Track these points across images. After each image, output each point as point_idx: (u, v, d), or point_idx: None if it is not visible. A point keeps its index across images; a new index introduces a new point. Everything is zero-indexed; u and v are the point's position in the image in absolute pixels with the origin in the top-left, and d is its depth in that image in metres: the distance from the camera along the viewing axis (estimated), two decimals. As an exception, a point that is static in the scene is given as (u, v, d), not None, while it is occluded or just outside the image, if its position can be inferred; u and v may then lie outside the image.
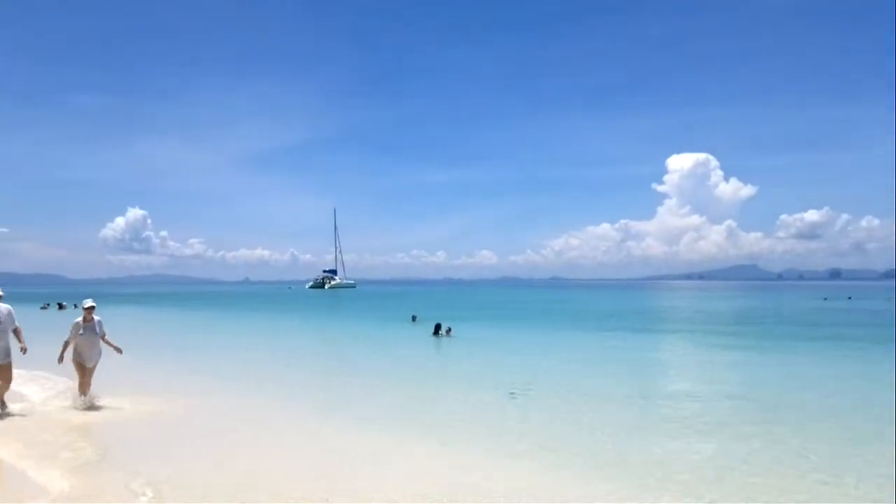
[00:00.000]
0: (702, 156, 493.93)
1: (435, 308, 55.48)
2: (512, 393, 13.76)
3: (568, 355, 21.69)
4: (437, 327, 27.60)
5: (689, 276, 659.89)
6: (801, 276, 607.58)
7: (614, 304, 64.34)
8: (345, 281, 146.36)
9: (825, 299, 68.83)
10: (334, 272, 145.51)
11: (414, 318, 37.10)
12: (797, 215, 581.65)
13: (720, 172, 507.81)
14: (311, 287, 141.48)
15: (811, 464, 8.58)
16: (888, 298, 74.94)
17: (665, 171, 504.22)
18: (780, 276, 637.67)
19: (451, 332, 27.32)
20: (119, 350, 12.06)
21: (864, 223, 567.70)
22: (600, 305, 62.23)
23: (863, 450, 9.23)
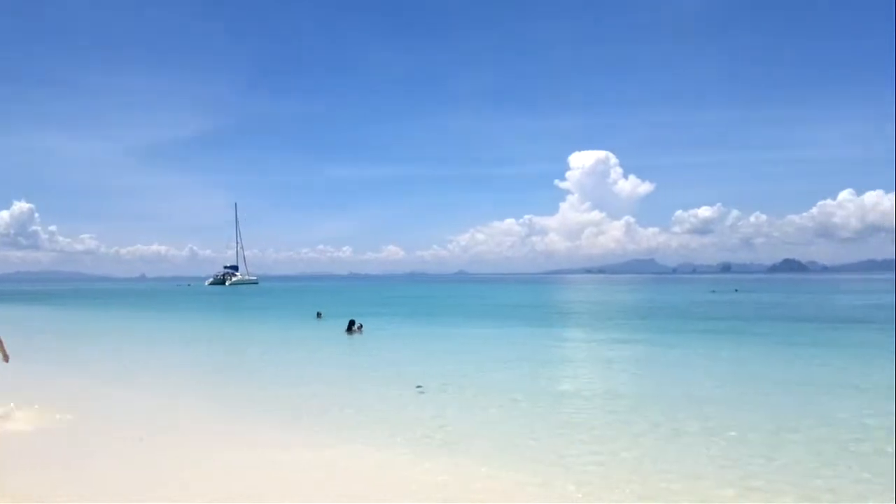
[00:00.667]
0: (602, 153, 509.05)
1: (342, 304, 54.98)
2: (419, 387, 13.83)
3: (476, 350, 21.85)
4: (351, 324, 27.45)
5: (589, 270, 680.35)
6: (694, 270, 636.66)
7: (519, 298, 65.67)
8: (247, 277, 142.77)
9: (713, 292, 72.34)
10: (235, 268, 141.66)
11: (319, 315, 36.63)
12: (691, 211, 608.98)
13: (619, 170, 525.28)
14: (211, 284, 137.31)
15: (724, 459, 8.96)
16: (773, 290, 79.85)
17: (567, 168, 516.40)
18: (675, 270, 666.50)
19: (362, 329, 27.20)
20: (6, 357, 11.06)
21: (752, 219, 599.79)
22: (506, 299, 63.32)
23: (767, 438, 9.72)
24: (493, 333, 28.01)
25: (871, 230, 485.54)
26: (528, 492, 7.43)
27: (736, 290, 74.46)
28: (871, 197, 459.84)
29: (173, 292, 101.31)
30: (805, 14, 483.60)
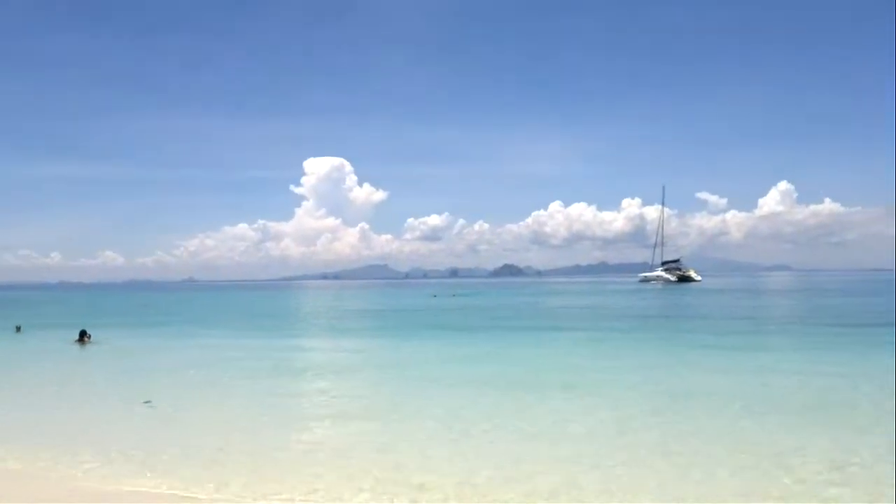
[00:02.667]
0: (337, 160, 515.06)
1: (49, 316, 50.62)
2: (148, 402, 13.41)
3: (204, 357, 21.65)
4: (83, 334, 26.59)
5: (325, 276, 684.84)
6: (425, 275, 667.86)
7: (256, 305, 65.03)
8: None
9: (434, 296, 77.38)
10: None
11: (18, 329, 33.86)
12: (422, 219, 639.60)
13: (354, 177, 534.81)
14: None
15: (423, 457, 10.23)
16: (492, 294, 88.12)
17: (303, 174, 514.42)
18: (407, 275, 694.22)
19: (91, 338, 26.48)
20: None
21: (476, 227, 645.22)
22: (242, 307, 62.63)
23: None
24: (223, 339, 27.55)
25: (576, 238, 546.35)
26: (256, 493, 7.98)
27: (454, 295, 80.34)
28: (576, 209, 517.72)
29: None
30: (505, 39, 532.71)
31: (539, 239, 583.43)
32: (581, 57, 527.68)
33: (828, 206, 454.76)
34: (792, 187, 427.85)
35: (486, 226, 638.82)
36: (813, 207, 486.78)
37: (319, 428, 11.35)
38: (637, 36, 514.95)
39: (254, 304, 69.90)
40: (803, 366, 18.12)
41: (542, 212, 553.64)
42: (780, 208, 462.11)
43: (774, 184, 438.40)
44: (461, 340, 26.48)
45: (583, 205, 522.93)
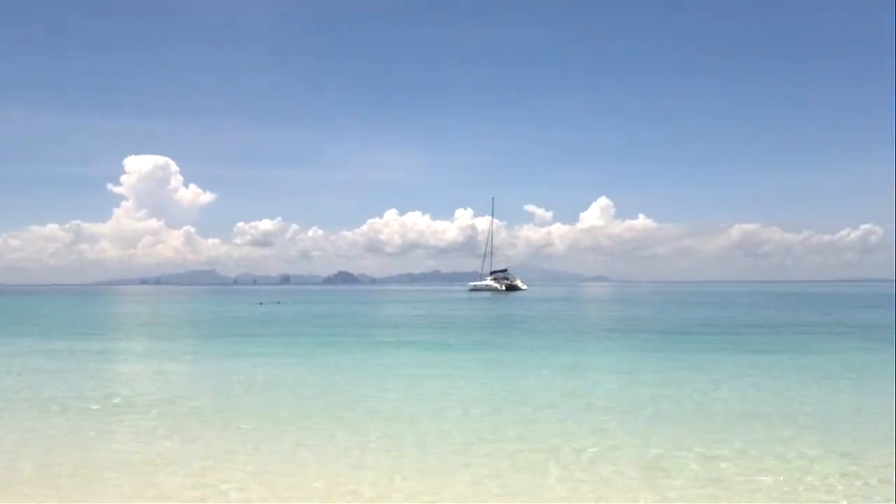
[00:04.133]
0: (161, 159, 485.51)
1: None
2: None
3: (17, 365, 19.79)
4: None
5: (145, 281, 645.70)
6: (255, 281, 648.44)
7: (64, 312, 59.83)
8: None
9: (261, 304, 75.21)
10: None
11: None
12: (253, 223, 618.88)
13: (180, 178, 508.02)
14: None
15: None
16: (324, 301, 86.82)
17: (123, 172, 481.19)
18: (235, 281, 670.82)
19: None
20: None
21: (310, 233, 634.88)
22: (46, 312, 57.31)
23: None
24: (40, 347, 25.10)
25: (410, 246, 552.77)
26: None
27: (278, 302, 78.37)
28: (410, 217, 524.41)
29: None
30: (350, 45, 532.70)
31: (374, 246, 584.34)
32: (423, 67, 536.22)
33: (642, 221, 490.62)
34: (611, 203, 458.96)
35: (321, 232, 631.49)
36: (629, 222, 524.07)
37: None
38: (480, 50, 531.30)
39: (66, 309, 64.29)
40: (611, 365, 19.61)
41: (377, 219, 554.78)
42: (599, 222, 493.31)
43: (595, 199, 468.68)
44: (273, 351, 25.44)
45: (417, 213, 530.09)
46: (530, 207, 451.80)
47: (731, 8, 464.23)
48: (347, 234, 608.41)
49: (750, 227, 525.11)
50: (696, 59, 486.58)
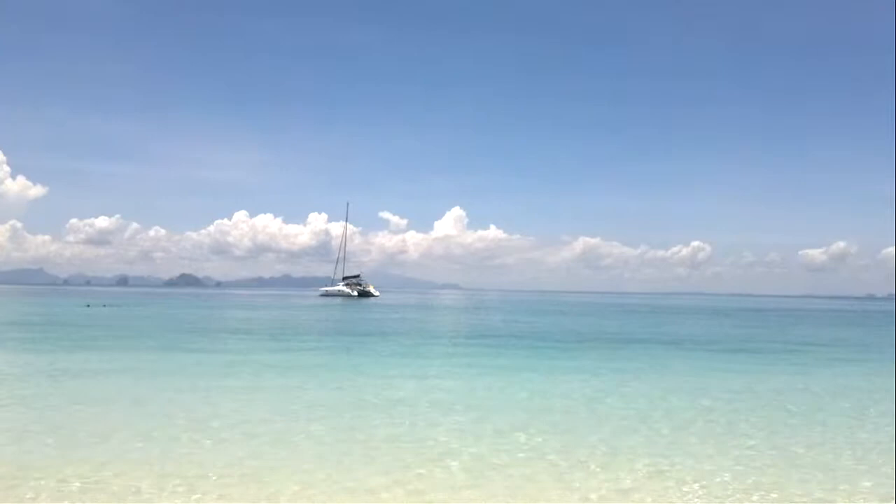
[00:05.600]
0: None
1: None
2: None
3: None
4: None
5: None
6: (88, 282, 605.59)
7: None
8: None
9: (88, 306, 70.89)
10: None
11: None
12: (88, 220, 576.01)
13: (7, 168, 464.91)
14: None
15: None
16: (159, 304, 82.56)
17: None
18: (66, 282, 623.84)
19: None
20: None
21: (151, 233, 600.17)
22: None
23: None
24: None
25: (260, 250, 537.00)
26: None
27: (104, 306, 73.93)
28: (261, 220, 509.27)
29: None
30: (203, 36, 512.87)
31: (221, 249, 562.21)
32: (273, 65, 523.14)
33: (493, 232, 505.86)
34: (464, 213, 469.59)
35: (163, 232, 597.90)
36: (480, 232, 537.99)
37: None
38: (333, 54, 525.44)
39: None
40: (454, 369, 20.00)
41: (225, 221, 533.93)
42: (453, 231, 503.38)
43: (449, 208, 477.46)
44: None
45: (269, 216, 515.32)
46: (385, 214, 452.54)
47: (586, 27, 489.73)
48: (193, 234, 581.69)
49: (593, 240, 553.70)
50: (552, 73, 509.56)
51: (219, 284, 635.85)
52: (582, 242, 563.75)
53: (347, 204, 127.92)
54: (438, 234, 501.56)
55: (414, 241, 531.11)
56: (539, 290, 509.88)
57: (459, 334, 38.05)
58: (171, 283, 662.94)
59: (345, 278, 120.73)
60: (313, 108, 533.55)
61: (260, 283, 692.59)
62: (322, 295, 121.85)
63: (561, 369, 21.28)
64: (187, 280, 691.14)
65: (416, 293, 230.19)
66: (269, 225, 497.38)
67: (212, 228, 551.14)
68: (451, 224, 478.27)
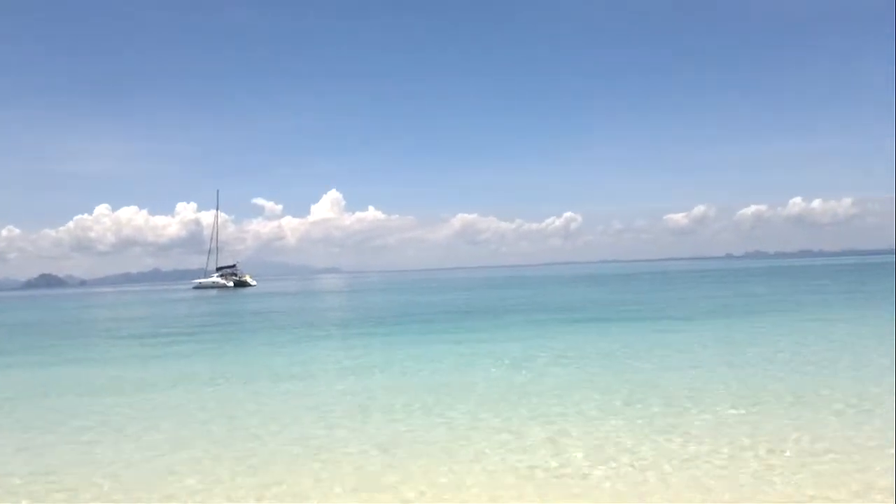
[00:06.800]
0: None
1: None
2: None
3: None
4: None
5: None
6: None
7: None
8: None
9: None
10: None
11: None
12: None
13: None
14: None
15: None
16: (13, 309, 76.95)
17: None
18: None
19: None
20: None
21: (4, 232, 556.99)
22: None
23: None
24: None
25: (126, 244, 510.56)
26: None
27: None
28: (125, 212, 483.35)
29: None
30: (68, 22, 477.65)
31: (82, 245, 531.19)
32: (138, 45, 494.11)
33: (372, 213, 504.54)
34: (341, 195, 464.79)
35: (17, 231, 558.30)
36: (359, 214, 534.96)
37: None
38: (194, 33, 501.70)
39: None
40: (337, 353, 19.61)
41: (86, 216, 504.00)
42: (331, 215, 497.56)
43: (325, 192, 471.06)
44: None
45: (134, 208, 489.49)
46: (259, 200, 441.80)
47: (468, 8, 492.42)
48: (50, 232, 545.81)
49: (470, 216, 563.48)
50: (421, 51, 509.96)
51: (83, 283, 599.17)
52: (460, 219, 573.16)
53: (217, 191, 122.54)
54: (316, 217, 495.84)
55: (291, 226, 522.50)
56: (421, 268, 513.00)
57: (342, 319, 37.66)
58: (30, 284, 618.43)
59: (219, 269, 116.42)
60: (177, 95, 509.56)
61: (128, 278, 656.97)
62: (195, 288, 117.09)
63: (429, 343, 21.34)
64: (48, 280, 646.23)
65: (296, 280, 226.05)
66: (133, 218, 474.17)
67: (71, 224, 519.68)
68: (328, 207, 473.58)
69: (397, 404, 12.57)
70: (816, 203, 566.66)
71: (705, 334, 21.82)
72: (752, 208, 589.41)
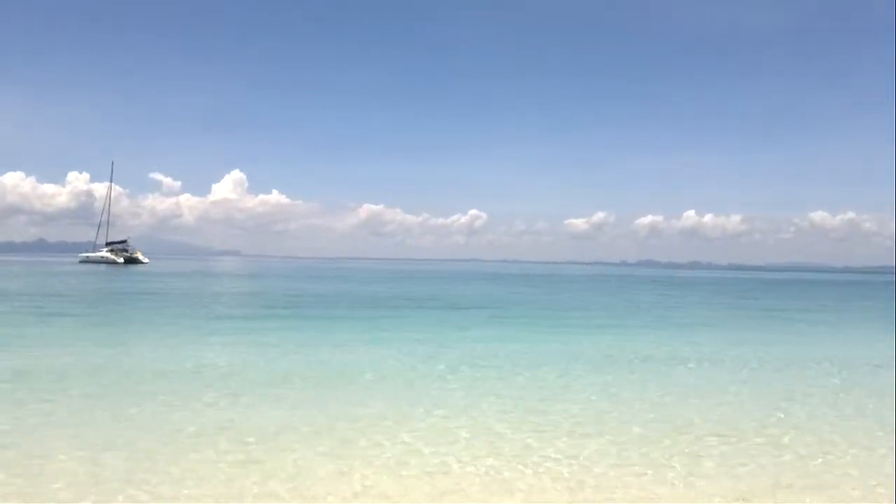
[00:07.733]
0: None
1: None
2: None
3: None
4: None
5: None
6: None
7: None
8: None
9: None
10: None
11: None
12: None
13: None
14: None
15: None
16: None
17: None
18: None
19: None
20: None
21: None
22: None
23: None
24: None
25: (10, 212, 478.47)
26: None
27: None
28: (11, 178, 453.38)
29: None
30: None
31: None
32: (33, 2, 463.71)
33: (275, 196, 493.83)
34: (244, 176, 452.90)
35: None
36: (262, 197, 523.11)
37: None
38: (145, 9, 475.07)
39: None
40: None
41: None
42: (232, 195, 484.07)
43: (228, 171, 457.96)
44: None
45: (20, 174, 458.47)
46: (157, 175, 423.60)
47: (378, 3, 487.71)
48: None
49: (376, 207, 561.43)
50: (333, 41, 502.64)
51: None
52: (366, 209, 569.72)
53: (112, 163, 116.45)
54: (217, 197, 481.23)
55: (189, 204, 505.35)
56: (324, 256, 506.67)
57: (236, 303, 36.66)
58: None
59: (108, 244, 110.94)
60: (75, 59, 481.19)
61: (10, 247, 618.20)
62: (82, 261, 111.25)
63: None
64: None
65: (192, 260, 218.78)
66: (19, 184, 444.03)
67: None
68: (230, 187, 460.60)
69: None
70: (708, 217, 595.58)
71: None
72: (649, 218, 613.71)
